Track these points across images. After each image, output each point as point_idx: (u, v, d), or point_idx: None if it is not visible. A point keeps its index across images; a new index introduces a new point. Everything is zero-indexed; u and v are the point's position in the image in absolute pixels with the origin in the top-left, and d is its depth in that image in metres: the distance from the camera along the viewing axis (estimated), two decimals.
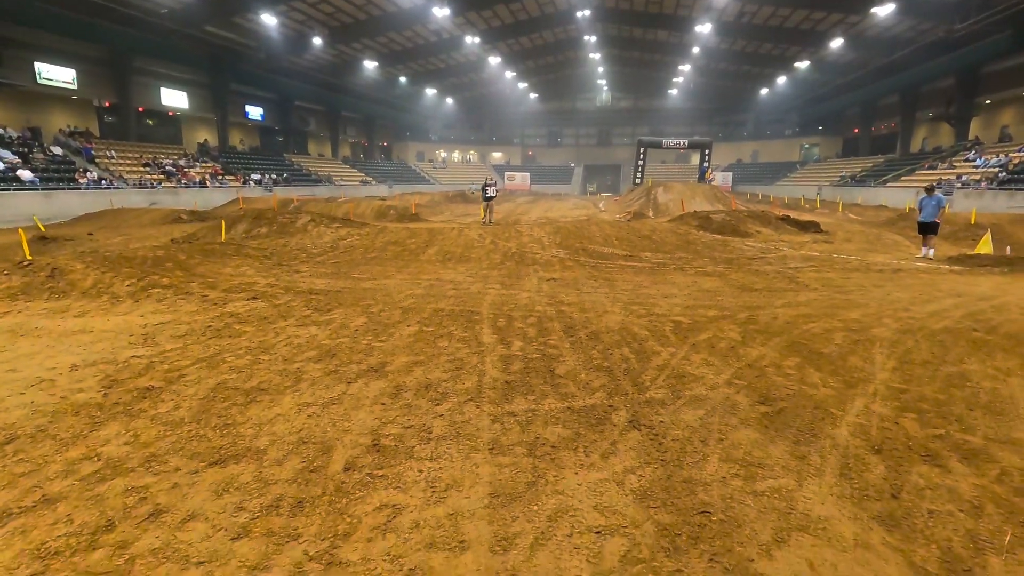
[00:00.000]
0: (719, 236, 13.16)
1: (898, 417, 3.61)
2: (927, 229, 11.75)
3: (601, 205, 33.30)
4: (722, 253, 11.24)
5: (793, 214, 18.21)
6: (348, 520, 2.50)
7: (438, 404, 3.79)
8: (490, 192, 17.89)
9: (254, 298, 6.92)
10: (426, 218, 22.44)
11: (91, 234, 15.70)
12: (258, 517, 2.53)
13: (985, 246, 11.95)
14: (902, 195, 31.55)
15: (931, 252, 11.54)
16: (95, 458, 3.08)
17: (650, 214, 23.90)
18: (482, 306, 6.70)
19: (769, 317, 6.23)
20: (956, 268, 10.04)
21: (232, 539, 2.39)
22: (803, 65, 43.96)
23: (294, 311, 6.37)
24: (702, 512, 2.53)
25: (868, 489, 2.75)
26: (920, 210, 11.96)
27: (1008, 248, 12.26)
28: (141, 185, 28.16)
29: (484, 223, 17.20)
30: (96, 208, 23.26)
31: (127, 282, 7.25)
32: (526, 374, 4.37)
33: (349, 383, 4.17)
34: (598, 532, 2.38)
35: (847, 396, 3.97)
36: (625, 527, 2.42)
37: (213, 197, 30.45)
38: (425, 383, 4.18)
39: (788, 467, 2.97)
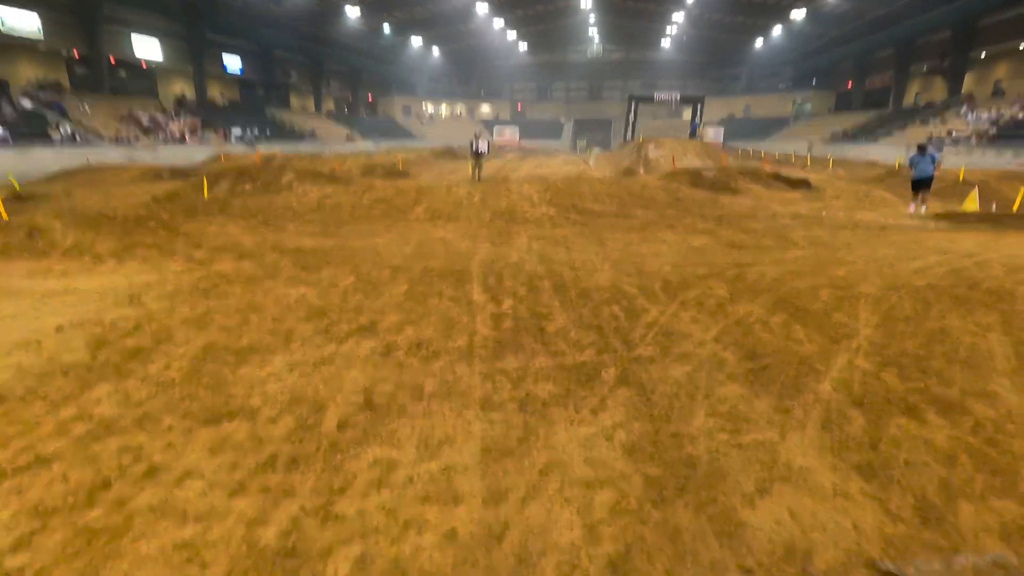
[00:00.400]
0: (709, 193, 13.10)
1: (879, 372, 3.70)
2: (921, 185, 11.73)
3: (591, 162, 32.88)
4: (712, 210, 11.21)
5: (784, 171, 18.12)
6: (343, 476, 2.55)
7: (429, 362, 3.82)
8: (481, 146, 17.42)
9: (240, 257, 6.83)
10: (414, 175, 22.05)
11: (70, 192, 15.27)
12: (254, 474, 2.57)
13: (972, 203, 12.02)
14: (892, 152, 31.45)
15: (924, 208, 11.56)
16: (87, 418, 3.09)
17: (641, 171, 23.66)
18: (472, 265, 6.68)
19: (757, 275, 6.28)
20: (942, 225, 10.13)
21: (229, 495, 2.43)
22: (798, 16, 42.86)
23: (282, 270, 6.31)
24: (688, 465, 2.60)
25: (848, 441, 2.84)
26: (912, 167, 11.92)
27: (994, 205, 12.35)
28: (118, 141, 27.24)
29: (473, 180, 16.91)
30: (72, 165, 22.52)
31: (109, 241, 7.11)
32: (517, 332, 4.39)
33: (340, 342, 4.17)
34: (588, 485, 2.45)
35: (831, 352, 4.05)
36: (614, 480, 2.49)
37: (194, 153, 29.56)
38: (416, 342, 4.20)
39: (772, 421, 3.05)
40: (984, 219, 10.37)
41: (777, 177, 15.85)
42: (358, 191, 12.90)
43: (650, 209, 11.23)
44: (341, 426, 2.99)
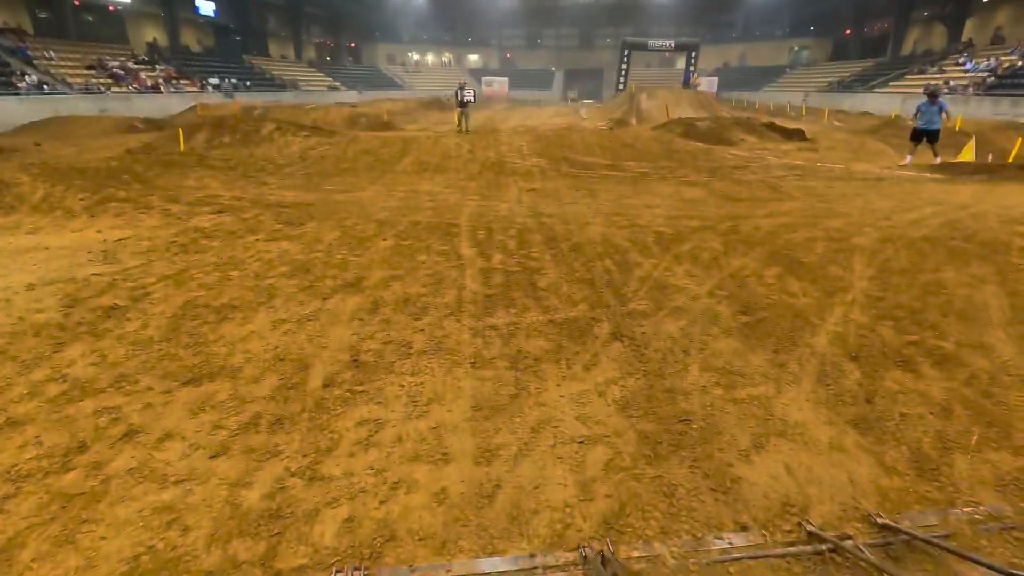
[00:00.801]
0: (703, 144, 12.82)
1: (875, 325, 3.65)
2: (922, 136, 11.37)
3: (583, 113, 32.08)
4: (706, 162, 10.99)
5: (779, 122, 17.76)
6: (329, 436, 2.47)
7: (417, 319, 3.71)
8: (467, 96, 16.78)
9: (220, 212, 6.58)
10: (400, 126, 21.39)
11: (38, 144, 14.63)
12: (236, 435, 2.48)
13: (968, 154, 11.88)
14: (888, 102, 30.93)
15: (938, 159, 11.20)
16: (61, 379, 2.97)
17: (633, 122, 23.14)
18: (461, 218, 6.49)
19: (751, 227, 6.17)
20: (938, 176, 10.01)
21: (211, 457, 2.35)
22: None
23: (263, 225, 6.09)
24: (683, 420, 2.55)
25: (844, 395, 2.80)
26: (918, 116, 11.52)
27: (990, 155, 12.22)
28: (88, 90, 26.00)
29: (460, 131, 16.39)
30: (40, 116, 21.54)
31: (81, 196, 6.81)
32: (507, 287, 4.28)
33: (325, 299, 4.04)
34: (581, 442, 2.39)
35: (826, 305, 3.99)
36: (607, 436, 2.43)
37: (169, 103, 28.40)
38: (404, 298, 4.08)
39: (767, 375, 3.00)
40: (980, 170, 10.25)
41: (772, 127, 15.53)
42: (342, 143, 12.46)
43: (643, 161, 10.98)
44: (327, 384, 2.90)
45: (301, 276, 4.52)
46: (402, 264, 4.79)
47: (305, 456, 2.34)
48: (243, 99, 32.71)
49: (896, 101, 30.68)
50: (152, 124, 19.71)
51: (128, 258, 4.90)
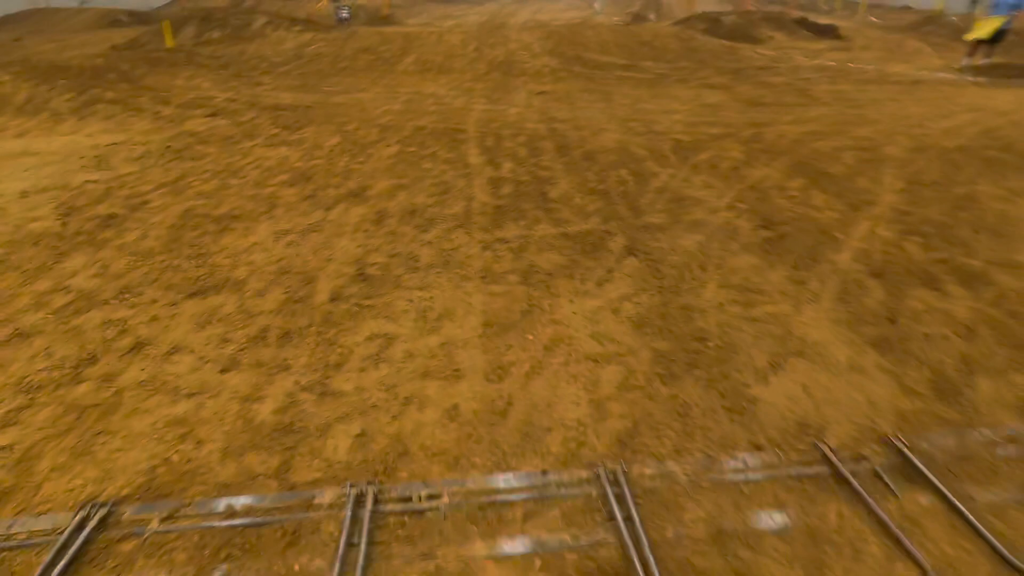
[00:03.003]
0: (728, 42, 11.88)
1: (901, 241, 3.49)
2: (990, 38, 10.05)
3: (596, 6, 29.70)
4: (729, 62, 10.23)
5: (810, 17, 16.35)
6: (338, 351, 2.44)
7: (425, 231, 3.58)
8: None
9: (214, 115, 6.25)
10: (401, 20, 19.93)
11: (18, 40, 13.79)
12: (245, 348, 2.45)
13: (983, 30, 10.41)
14: None
15: (985, 60, 10.08)
16: (65, 290, 2.92)
17: (652, 17, 21.43)
18: (467, 123, 6.14)
19: (775, 135, 5.82)
20: (980, 80, 9.32)
21: (221, 371, 2.34)
22: None
23: (260, 129, 5.79)
24: (698, 339, 2.50)
25: (865, 314, 2.71)
26: (995, 8, 10.08)
27: None
28: None
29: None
30: (15, 8, 20.16)
31: (66, 96, 6.45)
32: (517, 198, 4.10)
33: (328, 209, 3.89)
34: (594, 360, 2.35)
35: (851, 220, 3.81)
36: (621, 355, 2.39)
37: None
38: (410, 208, 3.92)
39: (786, 293, 2.91)
40: (1022, 72, 9.51)
41: (803, 24, 14.33)
42: (340, 39, 11.64)
43: (661, 61, 10.23)
44: (334, 298, 2.84)
45: (302, 184, 4.34)
46: (407, 173, 4.58)
47: (315, 371, 2.32)
48: None
49: None
50: (136, 17, 18.44)
51: (121, 164, 4.70)
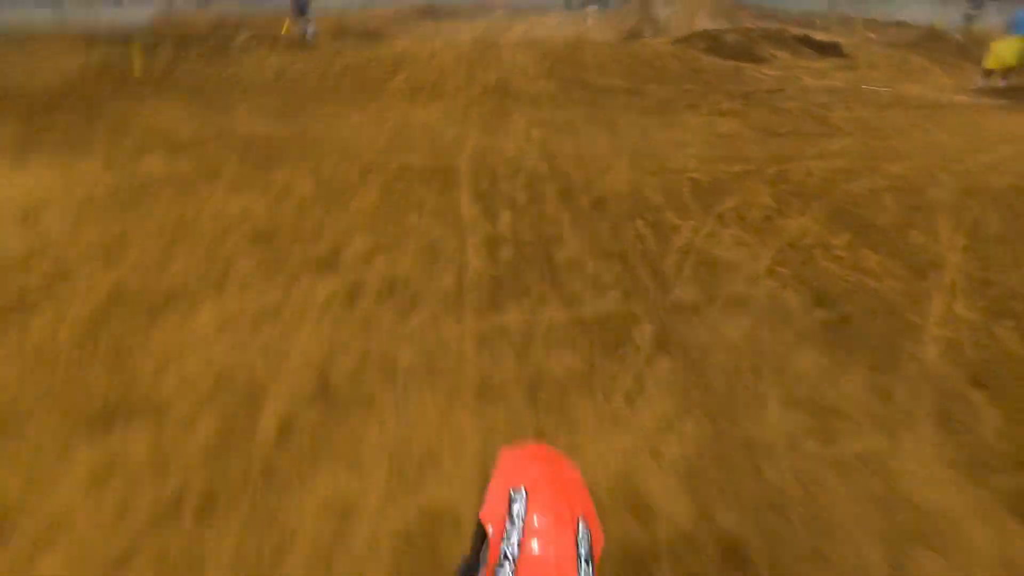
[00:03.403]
0: (731, 62, 11.37)
1: (990, 325, 2.86)
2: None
3: (589, 21, 29.38)
4: (736, 85, 9.67)
5: (810, 34, 15.93)
6: (278, 534, 1.75)
7: (406, 315, 2.90)
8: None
9: (175, 151, 5.56)
10: (391, 36, 19.40)
11: None
12: (147, 531, 1.75)
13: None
14: (925, 11, 28.21)
15: (1004, 82, 9.61)
16: None
17: (648, 33, 21.02)
18: (460, 160, 5.49)
19: (802, 172, 5.22)
20: (1001, 102, 8.81)
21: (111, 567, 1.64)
22: None
23: (225, 169, 5.11)
24: (775, 507, 1.82)
25: (985, 452, 2.06)
26: (1015, 27, 9.64)
27: None
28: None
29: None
30: None
31: (8, 130, 5.76)
32: (518, 264, 3.44)
33: (290, 282, 3.21)
34: (639, 560, 1.67)
35: (919, 292, 3.18)
36: (674, 546, 1.71)
37: (133, 13, 25.79)
38: (390, 280, 3.25)
39: (871, 413, 2.25)
40: None
41: (805, 41, 13.88)
42: (326, 57, 11.03)
43: (665, 83, 9.66)
44: (283, 430, 2.15)
45: (263, 246, 3.67)
46: (388, 229, 3.91)
47: (238, 571, 1.63)
48: (221, 8, 29.76)
49: (934, 9, 27.98)
50: (117, 35, 17.76)
51: (53, 220, 4.00)
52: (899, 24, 26.58)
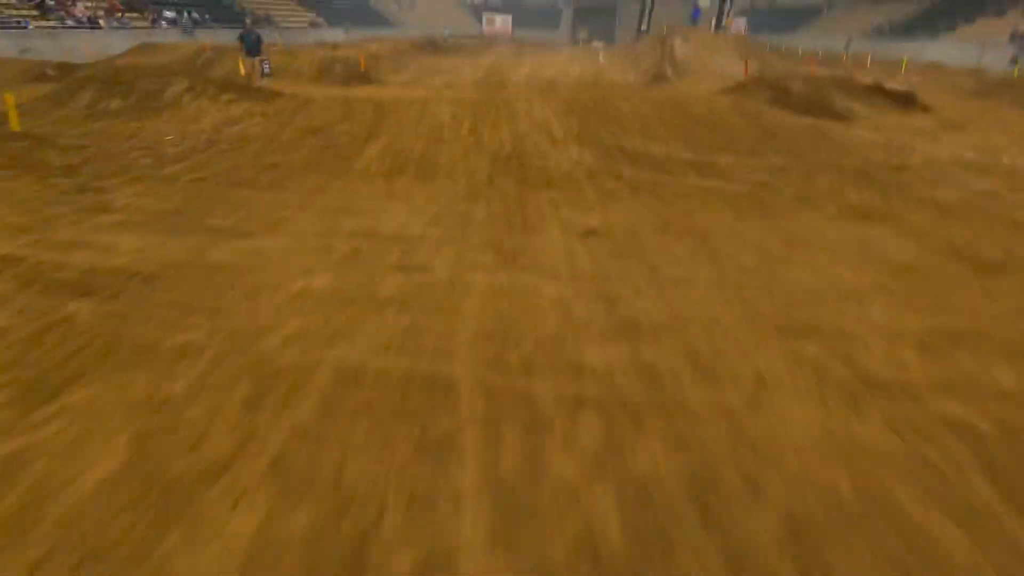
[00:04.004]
0: (807, 118, 8.90)
1: None
2: None
3: (600, 58, 27.38)
4: (838, 156, 7.13)
5: (870, 81, 13.60)
6: None
7: None
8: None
9: None
10: (381, 78, 17.10)
11: None
12: None
13: None
14: (961, 51, 26.30)
15: None
16: None
17: (670, 74, 18.82)
18: (457, 346, 2.83)
19: None
20: None
21: None
22: None
23: None
24: None
25: None
26: None
27: None
28: (3, 24, 21.34)
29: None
30: None
31: None
32: None
33: None
34: None
35: None
36: None
37: (110, 42, 23.65)
38: None
39: None
40: None
41: (878, 91, 11.50)
42: (285, 111, 8.53)
43: (738, 152, 7.11)
44: None
45: None
46: None
47: None
48: (204, 37, 27.78)
49: (974, 49, 26.09)
50: (64, 71, 15.41)
51: None
52: (932, 66, 24.44)
